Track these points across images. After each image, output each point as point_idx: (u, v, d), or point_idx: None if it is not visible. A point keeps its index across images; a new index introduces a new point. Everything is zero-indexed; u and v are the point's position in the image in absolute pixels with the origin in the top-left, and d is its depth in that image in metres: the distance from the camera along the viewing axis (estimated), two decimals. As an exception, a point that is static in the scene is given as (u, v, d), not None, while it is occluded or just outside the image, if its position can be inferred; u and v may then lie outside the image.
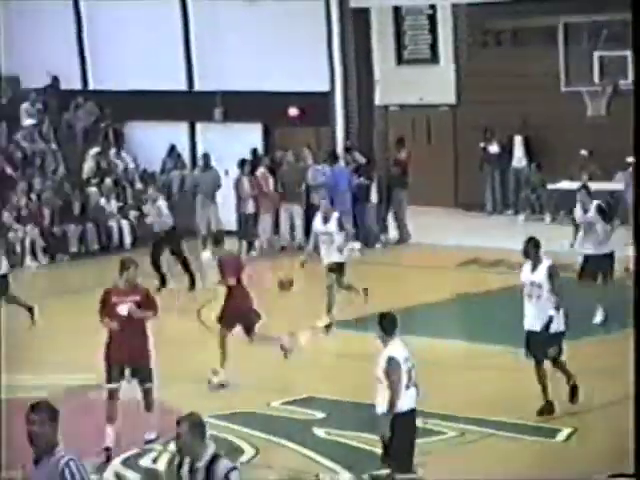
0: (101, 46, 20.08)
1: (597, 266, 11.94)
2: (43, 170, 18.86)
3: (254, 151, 18.62)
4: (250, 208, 17.78)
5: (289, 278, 11.78)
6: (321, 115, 18.70)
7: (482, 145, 19.19)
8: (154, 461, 8.73)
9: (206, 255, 17.38)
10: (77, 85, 20.43)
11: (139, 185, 19.34)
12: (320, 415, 9.57)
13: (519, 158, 19.26)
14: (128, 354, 8.80)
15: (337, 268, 12.50)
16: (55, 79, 20.13)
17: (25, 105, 19.52)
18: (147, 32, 19.39)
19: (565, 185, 17.76)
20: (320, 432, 9.16)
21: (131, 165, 19.48)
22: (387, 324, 7.39)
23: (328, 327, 12.39)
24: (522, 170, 19.28)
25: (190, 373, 10.65)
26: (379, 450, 7.63)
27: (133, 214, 18.63)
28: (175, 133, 19.70)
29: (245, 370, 10.87)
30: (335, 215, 12.65)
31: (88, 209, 18.26)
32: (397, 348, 7.36)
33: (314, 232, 12.82)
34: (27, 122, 19.34)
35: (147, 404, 9.01)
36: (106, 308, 8.88)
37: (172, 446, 8.81)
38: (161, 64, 19.31)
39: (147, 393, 8.97)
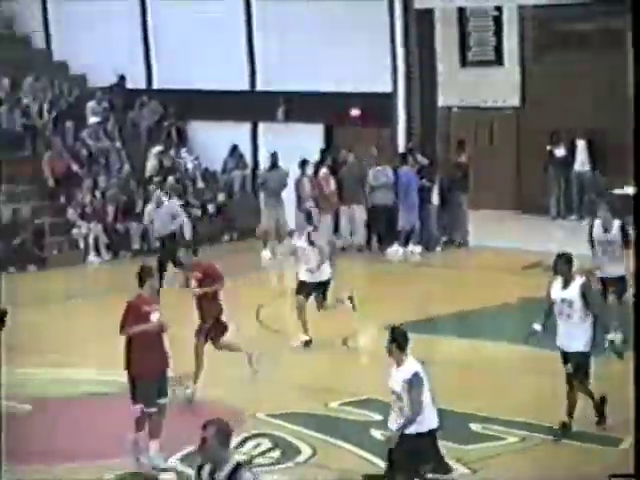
0: (166, 45, 20.28)
1: (611, 287, 11.35)
2: (108, 168, 19.11)
3: (323, 151, 18.61)
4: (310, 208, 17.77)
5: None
6: (383, 116, 18.64)
7: (549, 148, 18.95)
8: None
9: (266, 254, 17.44)
10: (142, 84, 20.66)
11: (201, 184, 19.50)
12: (378, 417, 9.51)
13: (582, 162, 18.99)
14: (161, 365, 8.49)
15: (311, 287, 11.70)
16: (121, 78, 20.38)
17: (91, 103, 19.78)
18: (211, 32, 19.53)
19: (630, 190, 17.45)
20: (377, 434, 9.12)
21: (190, 164, 19.64)
22: (401, 338, 7.15)
23: (308, 343, 11.69)
24: (585, 174, 19.01)
25: (248, 374, 10.66)
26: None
27: (195, 213, 18.78)
28: (237, 133, 19.81)
29: (304, 370, 10.87)
30: (307, 230, 11.95)
31: (151, 207, 18.44)
32: (416, 363, 7.16)
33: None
34: (92, 120, 19.61)
35: (158, 425, 8.48)
36: (133, 318, 8.46)
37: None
38: (224, 64, 19.43)
39: (164, 410, 8.54)
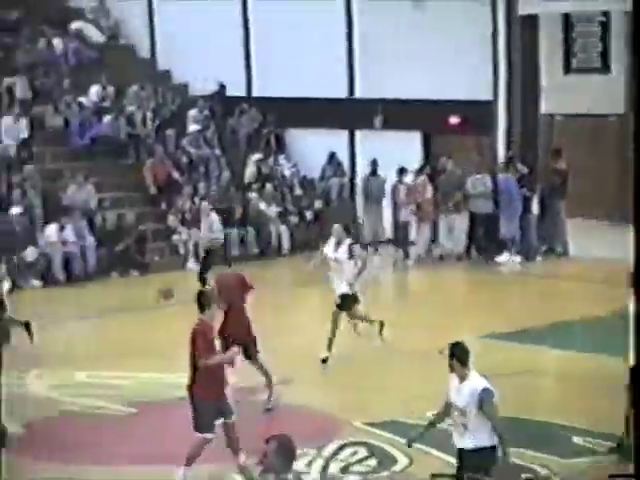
0: (265, 54, 20.48)
1: None
2: (207, 175, 19.38)
3: (425, 159, 18.60)
4: (406, 216, 17.73)
5: (168, 288, 10.82)
6: (483, 124, 18.42)
7: (655, 156, 18.44)
8: (308, 465, 8.79)
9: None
10: (242, 92, 20.91)
11: (299, 191, 19.62)
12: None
13: (690, 172, 18.44)
14: (219, 389, 8.33)
15: (345, 301, 11.25)
16: (222, 86, 20.67)
17: (193, 112, 20.10)
18: (310, 40, 19.64)
19: None
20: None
21: (288, 171, 19.77)
22: (460, 353, 7.02)
23: (325, 360, 11.25)
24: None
25: (346, 381, 10.66)
26: (533, 465, 7.33)
27: (293, 220, 18.91)
28: (335, 140, 19.86)
29: (401, 379, 10.80)
30: (347, 242, 11.36)
31: (249, 214, 18.63)
32: (481, 377, 7.02)
33: (326, 257, 11.54)
34: (192, 128, 19.93)
35: (233, 441, 8.25)
36: (204, 347, 8.21)
37: (326, 452, 8.88)
38: (323, 72, 19.51)
39: (231, 427, 8.33)
